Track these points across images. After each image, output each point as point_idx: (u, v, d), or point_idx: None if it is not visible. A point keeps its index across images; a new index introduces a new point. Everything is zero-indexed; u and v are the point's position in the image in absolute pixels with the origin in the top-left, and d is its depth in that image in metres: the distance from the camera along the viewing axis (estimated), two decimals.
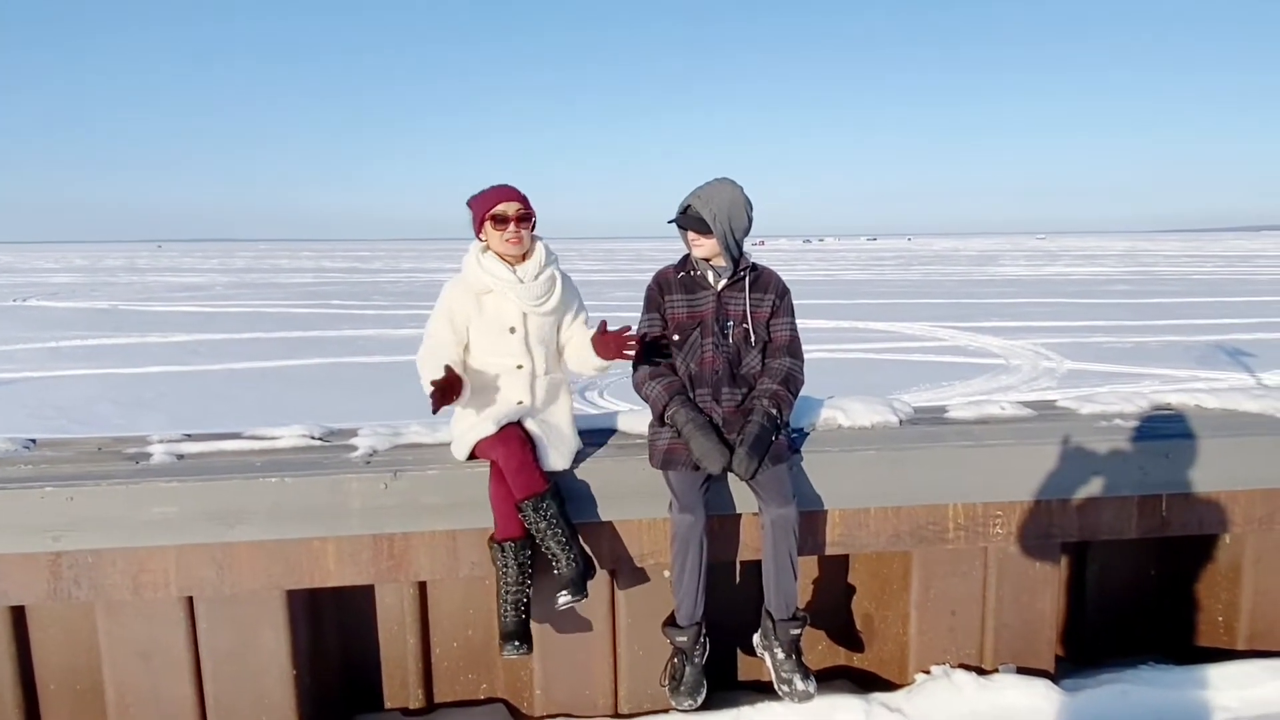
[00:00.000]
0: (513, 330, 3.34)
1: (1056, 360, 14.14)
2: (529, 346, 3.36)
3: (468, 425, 3.31)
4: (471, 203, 3.34)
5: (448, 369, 3.14)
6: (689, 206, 3.26)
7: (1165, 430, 3.78)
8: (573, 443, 3.42)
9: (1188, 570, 4.04)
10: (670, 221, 3.33)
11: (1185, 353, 14.57)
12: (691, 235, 3.28)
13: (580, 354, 3.44)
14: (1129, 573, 4.12)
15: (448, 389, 3.12)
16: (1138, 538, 3.71)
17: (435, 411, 3.17)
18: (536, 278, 3.33)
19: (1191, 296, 26.42)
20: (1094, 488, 3.59)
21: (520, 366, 3.36)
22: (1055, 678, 3.64)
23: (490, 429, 3.22)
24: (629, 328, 3.29)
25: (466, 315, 3.34)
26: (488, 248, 3.34)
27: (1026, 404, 4.23)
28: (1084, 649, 4.06)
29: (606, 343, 3.27)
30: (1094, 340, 16.50)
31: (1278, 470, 3.70)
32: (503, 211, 3.28)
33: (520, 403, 3.35)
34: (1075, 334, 17.46)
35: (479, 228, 3.33)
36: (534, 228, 3.36)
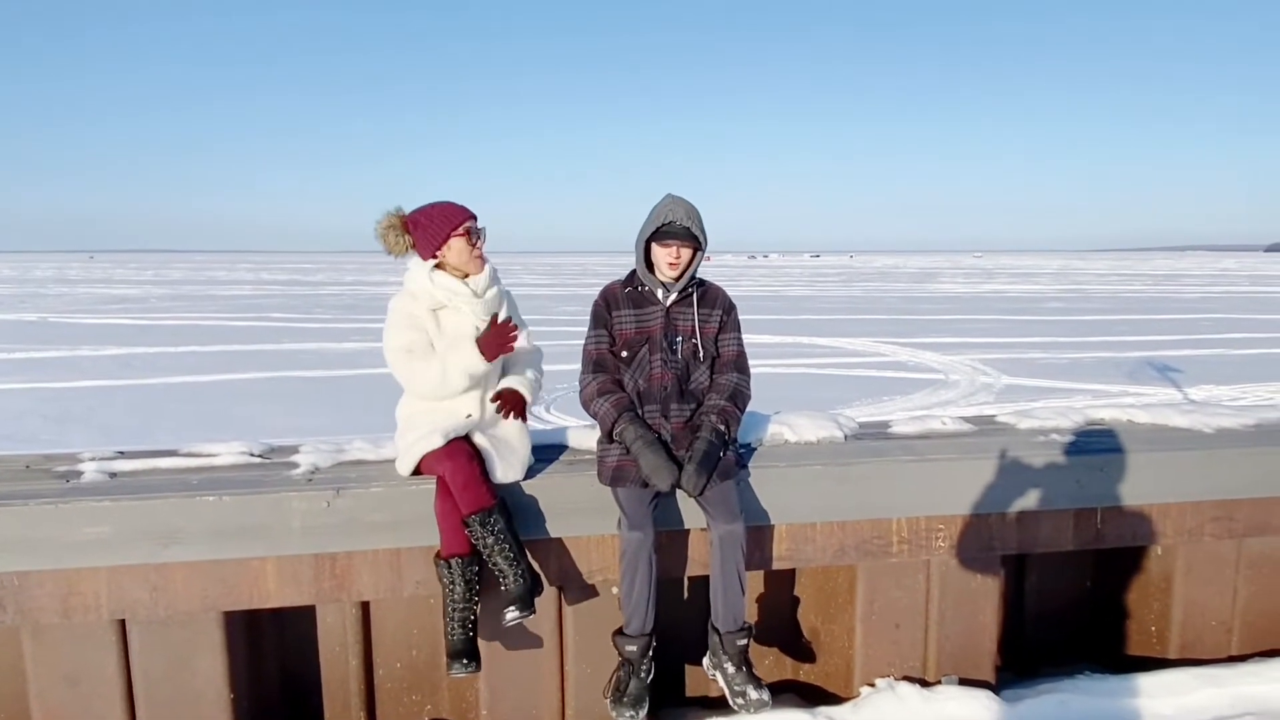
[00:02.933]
0: None
1: (994, 375, 14.45)
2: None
3: (414, 438, 3.26)
4: (422, 220, 3.29)
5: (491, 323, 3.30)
6: (671, 221, 3.27)
7: (1100, 445, 3.89)
8: (523, 454, 3.39)
9: (1122, 581, 4.14)
10: (650, 237, 3.31)
11: (1116, 369, 15.00)
12: (679, 249, 3.28)
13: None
14: (1066, 584, 4.22)
15: (501, 328, 3.27)
16: (1074, 550, 3.81)
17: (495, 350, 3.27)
18: (485, 293, 3.34)
19: (1122, 314, 27.25)
20: (1032, 501, 3.68)
21: None
22: (996, 688, 3.71)
23: (438, 442, 3.18)
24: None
25: (426, 329, 3.31)
26: (439, 265, 3.31)
27: (967, 419, 4.32)
28: (1023, 659, 4.13)
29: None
30: (1030, 356, 16.91)
31: (1206, 484, 3.82)
32: (471, 226, 3.29)
33: (469, 415, 3.32)
34: (1012, 350, 17.87)
35: (441, 244, 3.28)
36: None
